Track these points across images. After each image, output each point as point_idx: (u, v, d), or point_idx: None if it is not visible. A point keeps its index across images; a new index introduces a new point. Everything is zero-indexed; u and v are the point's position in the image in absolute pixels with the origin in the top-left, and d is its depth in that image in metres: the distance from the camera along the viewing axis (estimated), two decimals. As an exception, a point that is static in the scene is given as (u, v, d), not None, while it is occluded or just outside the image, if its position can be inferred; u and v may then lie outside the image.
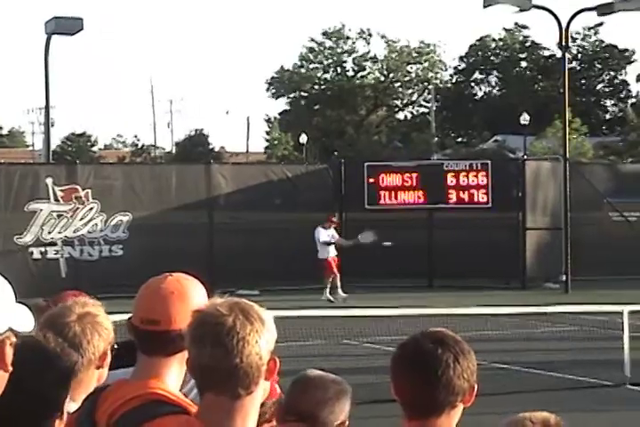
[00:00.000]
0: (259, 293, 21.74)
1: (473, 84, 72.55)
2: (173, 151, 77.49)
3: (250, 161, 62.28)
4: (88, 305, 3.10)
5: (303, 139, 61.50)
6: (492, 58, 71.36)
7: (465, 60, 71.63)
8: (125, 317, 2.85)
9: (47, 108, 28.76)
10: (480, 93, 72.85)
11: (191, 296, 2.86)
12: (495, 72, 71.48)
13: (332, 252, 22.81)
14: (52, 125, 37.70)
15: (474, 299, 19.40)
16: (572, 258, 24.40)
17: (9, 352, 1.93)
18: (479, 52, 71.18)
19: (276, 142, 69.97)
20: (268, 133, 73.53)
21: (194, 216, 24.72)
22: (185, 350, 2.81)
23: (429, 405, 2.74)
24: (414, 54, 70.31)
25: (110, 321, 3.14)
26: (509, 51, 70.28)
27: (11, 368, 1.96)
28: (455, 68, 72.12)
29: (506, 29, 70.37)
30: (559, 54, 43.32)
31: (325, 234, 22.97)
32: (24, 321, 1.99)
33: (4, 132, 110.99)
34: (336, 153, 60.79)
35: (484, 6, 25.15)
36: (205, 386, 2.46)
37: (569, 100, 26.73)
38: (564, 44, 26.41)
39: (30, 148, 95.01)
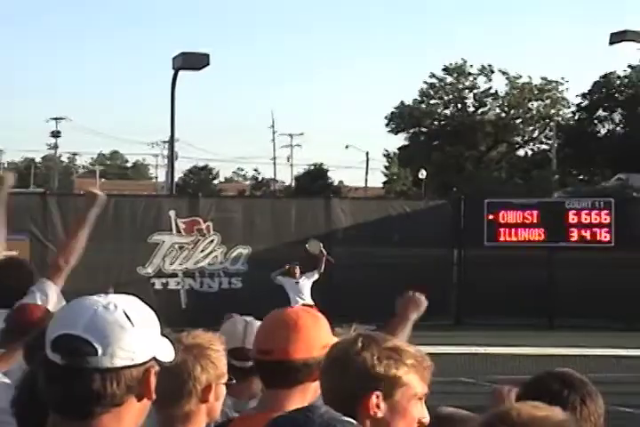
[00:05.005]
0: (375, 327, 21.66)
1: (596, 121, 71.39)
2: (293, 185, 78.17)
3: (369, 195, 62.40)
4: (199, 337, 3.11)
5: (422, 174, 61.34)
6: (616, 95, 70.19)
7: (588, 97, 70.59)
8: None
9: (172, 142, 29.38)
10: (603, 131, 71.64)
11: (308, 328, 2.88)
12: (619, 109, 70.24)
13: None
14: (176, 158, 38.44)
15: (595, 340, 18.97)
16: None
17: (154, 381, 1.97)
18: (603, 89, 70.09)
19: (394, 177, 69.97)
20: (387, 168, 73.61)
21: (312, 250, 24.80)
22: (307, 382, 2.82)
23: None
24: (536, 91, 69.66)
25: (223, 355, 3.14)
26: (635, 88, 69.02)
27: (154, 396, 2.00)
28: (578, 105, 71.15)
29: (631, 66, 69.19)
30: (686, 91, 42.39)
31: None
32: (166, 351, 2.03)
33: (129, 164, 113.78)
34: (455, 189, 60.46)
35: (610, 43, 24.84)
36: None
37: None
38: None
39: (153, 180, 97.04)
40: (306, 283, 20.51)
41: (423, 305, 4.40)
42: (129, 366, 1.92)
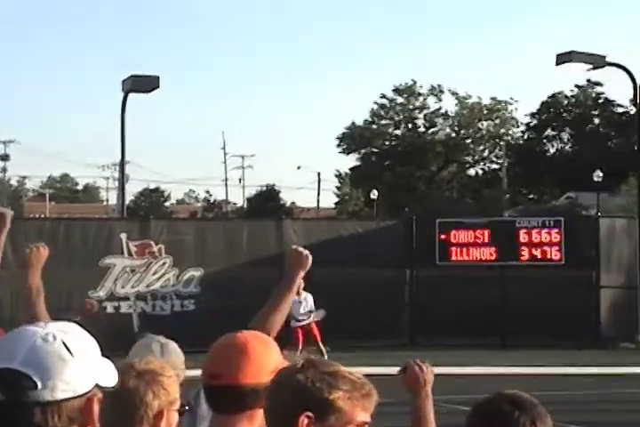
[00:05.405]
0: (330, 349, 21.64)
1: (545, 140, 72.19)
2: (245, 206, 78.09)
3: (320, 216, 62.50)
4: (152, 363, 3.09)
5: (374, 194, 61.58)
6: (564, 114, 71.05)
7: (537, 116, 71.40)
8: (194, 373, 2.85)
9: (122, 164, 29.22)
10: (552, 150, 72.44)
11: (258, 354, 2.88)
12: (567, 129, 71.09)
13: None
14: (127, 181, 38.27)
15: (546, 358, 19.11)
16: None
17: (96, 409, 1.95)
18: (551, 109, 70.93)
19: (346, 198, 70.20)
20: (338, 189, 73.83)
21: (265, 272, 24.71)
22: (256, 408, 2.81)
23: None
24: (485, 111, 70.36)
25: (175, 382, 3.11)
26: (582, 107, 69.92)
27: (97, 424, 1.98)
28: (527, 124, 71.93)
29: (578, 86, 70.11)
30: (633, 111, 43.03)
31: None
32: (108, 375, 2.00)
33: (80, 187, 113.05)
34: (406, 209, 60.75)
35: (557, 64, 25.14)
36: None
37: (643, 157, 26.47)
38: (638, 100, 26.25)
39: (104, 202, 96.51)
40: (308, 299, 21.06)
41: (306, 258, 4.41)
42: (70, 398, 1.90)
